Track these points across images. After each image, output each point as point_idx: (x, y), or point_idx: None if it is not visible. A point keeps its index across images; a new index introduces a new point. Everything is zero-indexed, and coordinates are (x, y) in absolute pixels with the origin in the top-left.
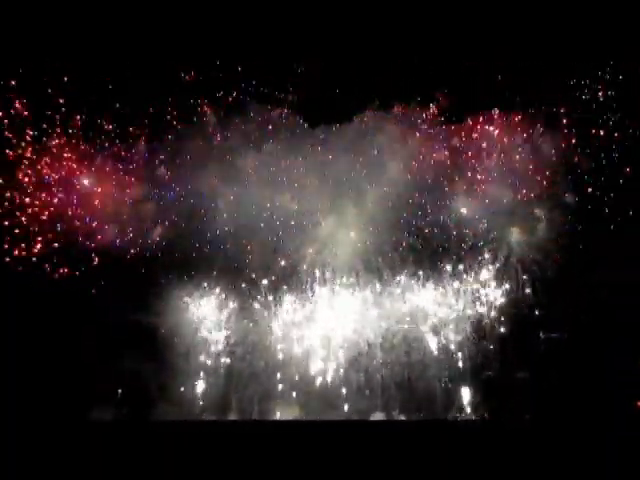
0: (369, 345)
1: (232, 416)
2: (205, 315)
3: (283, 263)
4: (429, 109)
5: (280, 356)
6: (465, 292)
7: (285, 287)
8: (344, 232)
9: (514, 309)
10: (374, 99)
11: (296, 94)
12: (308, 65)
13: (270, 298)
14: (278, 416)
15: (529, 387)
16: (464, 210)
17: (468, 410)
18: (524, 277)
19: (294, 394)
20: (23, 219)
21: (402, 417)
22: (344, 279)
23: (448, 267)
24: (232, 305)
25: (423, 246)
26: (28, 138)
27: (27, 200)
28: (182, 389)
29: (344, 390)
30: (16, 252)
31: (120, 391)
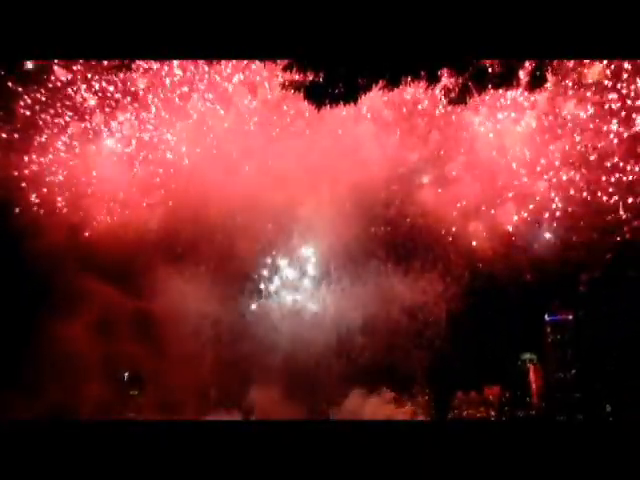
0: (348, 329)
1: (214, 398)
2: (193, 302)
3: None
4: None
5: (265, 342)
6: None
7: (268, 276)
8: (322, 223)
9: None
10: (382, 75)
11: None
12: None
13: (254, 286)
14: (257, 398)
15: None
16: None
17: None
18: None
19: (277, 377)
20: None
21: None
22: (323, 268)
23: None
24: (219, 294)
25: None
26: None
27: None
28: (171, 372)
29: (326, 371)
30: None
31: (127, 374)
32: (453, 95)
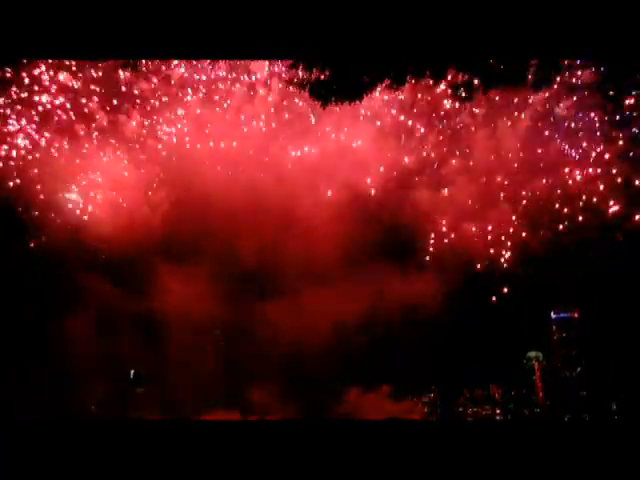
0: (347, 328)
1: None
2: (194, 301)
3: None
4: (439, 85)
5: (266, 341)
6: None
7: (270, 276)
8: (321, 224)
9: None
10: (388, 73)
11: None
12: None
13: (256, 285)
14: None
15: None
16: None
17: None
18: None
19: (278, 374)
20: None
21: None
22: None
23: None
24: (220, 293)
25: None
26: None
27: None
28: (173, 371)
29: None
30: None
31: (132, 372)
32: (460, 93)
